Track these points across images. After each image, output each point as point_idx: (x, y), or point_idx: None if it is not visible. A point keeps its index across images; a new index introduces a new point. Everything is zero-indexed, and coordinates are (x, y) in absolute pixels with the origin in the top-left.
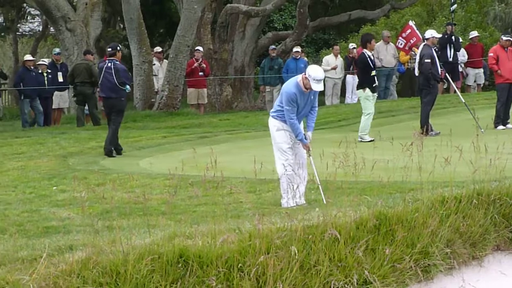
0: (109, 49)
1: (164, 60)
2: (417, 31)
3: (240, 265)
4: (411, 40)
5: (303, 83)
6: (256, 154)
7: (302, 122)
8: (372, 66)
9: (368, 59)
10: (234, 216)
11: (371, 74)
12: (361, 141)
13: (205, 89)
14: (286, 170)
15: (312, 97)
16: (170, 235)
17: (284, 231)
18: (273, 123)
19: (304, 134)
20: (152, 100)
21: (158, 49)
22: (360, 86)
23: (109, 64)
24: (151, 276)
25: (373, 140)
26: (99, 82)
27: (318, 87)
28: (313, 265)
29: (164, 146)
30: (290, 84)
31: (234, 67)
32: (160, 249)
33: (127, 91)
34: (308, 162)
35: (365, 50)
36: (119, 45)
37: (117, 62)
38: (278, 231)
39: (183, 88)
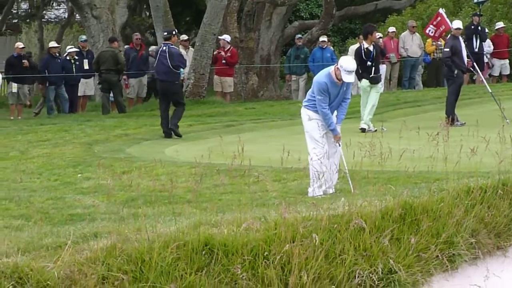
0: (165, 33)
1: (190, 48)
2: (447, 19)
3: (265, 253)
4: (441, 28)
5: (335, 74)
6: (283, 143)
7: (333, 114)
8: (371, 58)
9: (363, 51)
10: (259, 205)
11: (367, 65)
12: (362, 130)
13: (228, 78)
14: (317, 158)
15: (344, 88)
16: (195, 223)
17: (310, 220)
18: (305, 113)
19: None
20: None
21: (184, 37)
22: (357, 77)
23: (164, 48)
24: (176, 264)
25: (376, 130)
26: (155, 65)
27: (349, 78)
28: (338, 254)
29: (190, 134)
30: (322, 74)
31: (260, 56)
32: (185, 237)
33: (181, 74)
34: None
35: (363, 42)
36: (175, 29)
37: (172, 46)
38: (303, 220)
39: (209, 77)
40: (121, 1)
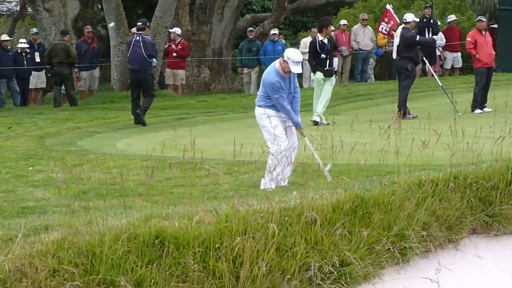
0: (139, 23)
1: None
2: (394, 15)
3: (216, 246)
4: (389, 24)
5: (281, 67)
6: (235, 136)
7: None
8: (325, 51)
9: (317, 43)
10: (211, 198)
11: (321, 58)
12: (313, 123)
13: (180, 71)
14: (279, 152)
15: (291, 78)
16: (146, 216)
17: (261, 213)
18: (261, 111)
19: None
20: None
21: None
22: (312, 69)
23: (138, 38)
24: (127, 257)
25: (328, 124)
26: (128, 55)
27: (297, 69)
28: (290, 247)
29: (142, 127)
30: (271, 73)
31: (212, 49)
32: (136, 230)
33: (154, 64)
34: (304, 144)
35: (318, 35)
36: (147, 21)
37: (145, 36)
38: (255, 212)
39: (161, 70)
40: None
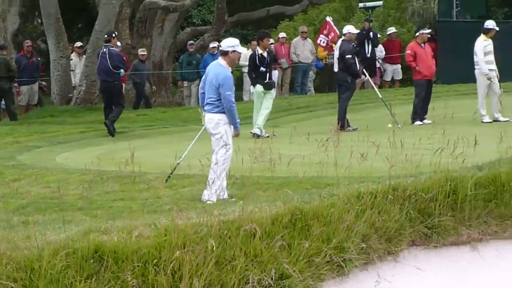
0: (106, 36)
1: (84, 55)
2: (334, 27)
3: (155, 260)
4: (329, 36)
5: (231, 59)
6: (174, 150)
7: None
8: (265, 64)
9: (257, 57)
10: (150, 211)
11: (260, 71)
12: (253, 135)
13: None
14: (223, 162)
15: None
16: (85, 231)
17: (200, 226)
18: (218, 117)
19: None
20: (70, 95)
21: (78, 44)
22: (252, 82)
23: (105, 50)
24: (65, 271)
25: (268, 136)
26: (97, 66)
27: (242, 49)
28: (229, 260)
29: (82, 141)
30: (223, 71)
31: (153, 62)
32: (75, 244)
33: (121, 74)
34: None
35: (257, 48)
36: (115, 32)
37: (112, 48)
38: (194, 226)
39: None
40: (13, 8)
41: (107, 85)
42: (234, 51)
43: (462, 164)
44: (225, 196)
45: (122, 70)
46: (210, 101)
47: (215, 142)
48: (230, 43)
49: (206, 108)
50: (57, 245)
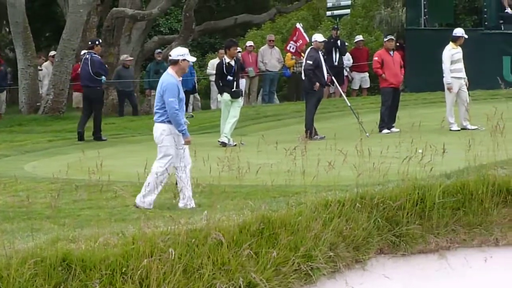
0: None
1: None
2: (304, 34)
3: (123, 268)
4: (298, 43)
5: (180, 68)
6: (141, 158)
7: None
8: (232, 72)
9: (224, 65)
10: (118, 220)
11: (228, 79)
12: (221, 144)
13: None
14: (166, 170)
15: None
16: (53, 239)
17: (168, 235)
18: (162, 128)
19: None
20: (38, 104)
21: (52, 53)
22: (219, 91)
23: (87, 56)
24: (34, 280)
25: (235, 145)
26: (79, 72)
27: (192, 58)
28: (197, 268)
29: (50, 150)
30: (168, 78)
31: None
32: (43, 252)
33: (102, 81)
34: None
35: (225, 57)
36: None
37: (95, 55)
38: (161, 234)
39: (68, 92)
40: None
41: (88, 91)
42: (184, 60)
43: (430, 172)
44: (192, 204)
45: (103, 77)
46: (156, 109)
47: (161, 152)
48: (179, 52)
49: (154, 117)
50: (25, 254)
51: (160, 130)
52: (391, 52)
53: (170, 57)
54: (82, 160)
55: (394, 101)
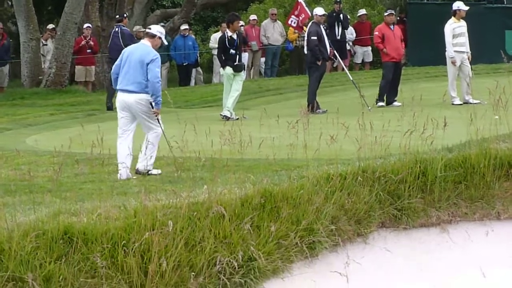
0: (117, 16)
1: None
2: (306, 8)
3: (124, 241)
4: (300, 17)
5: (154, 44)
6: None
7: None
8: (234, 46)
9: (226, 39)
10: (120, 193)
11: (230, 53)
12: (223, 118)
13: (93, 67)
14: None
15: None
16: (55, 212)
17: (169, 208)
18: (147, 98)
19: None
20: (40, 77)
21: (50, 26)
22: (221, 64)
23: (117, 29)
24: (35, 252)
25: (238, 118)
26: (109, 45)
27: (165, 42)
28: (198, 241)
29: (52, 123)
30: (151, 51)
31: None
32: (45, 226)
33: None
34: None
35: (227, 30)
36: (126, 13)
37: (124, 27)
38: (163, 208)
39: (71, 66)
40: None
41: None
42: (160, 37)
43: (431, 146)
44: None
45: None
46: (138, 80)
47: (145, 121)
48: (160, 29)
49: (130, 88)
50: (27, 227)
51: (145, 100)
52: (392, 26)
53: (148, 30)
54: (83, 134)
55: (396, 75)
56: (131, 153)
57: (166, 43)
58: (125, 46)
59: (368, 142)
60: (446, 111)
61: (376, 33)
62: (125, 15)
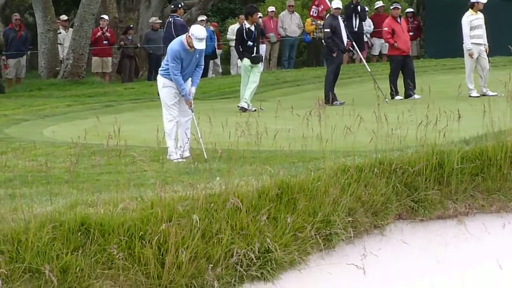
0: (172, 6)
1: (70, 28)
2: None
3: (141, 233)
4: (320, 7)
5: (187, 41)
6: (160, 123)
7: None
8: (252, 38)
9: (244, 31)
10: (137, 185)
11: (248, 45)
12: (240, 109)
13: (110, 58)
14: (168, 120)
15: (197, 55)
16: (72, 203)
17: (186, 200)
18: (161, 80)
19: (188, 90)
20: (57, 68)
21: (64, 17)
22: (239, 56)
23: (170, 20)
24: (52, 244)
25: (255, 110)
26: (163, 36)
27: (200, 45)
28: (215, 233)
29: (69, 114)
30: (175, 43)
31: (140, 36)
32: (62, 217)
33: None
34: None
35: (245, 22)
36: (181, 3)
37: (177, 18)
38: (180, 199)
39: (88, 57)
40: None
41: None
42: (191, 39)
43: (448, 138)
44: (187, 154)
45: None
46: (163, 64)
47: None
48: (194, 31)
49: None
50: (43, 218)
51: (159, 81)
52: (398, 19)
53: (191, 30)
54: (99, 126)
55: (409, 68)
56: (183, 138)
57: (198, 47)
58: (176, 36)
59: (385, 134)
60: (462, 103)
61: (386, 28)
62: (179, 5)
